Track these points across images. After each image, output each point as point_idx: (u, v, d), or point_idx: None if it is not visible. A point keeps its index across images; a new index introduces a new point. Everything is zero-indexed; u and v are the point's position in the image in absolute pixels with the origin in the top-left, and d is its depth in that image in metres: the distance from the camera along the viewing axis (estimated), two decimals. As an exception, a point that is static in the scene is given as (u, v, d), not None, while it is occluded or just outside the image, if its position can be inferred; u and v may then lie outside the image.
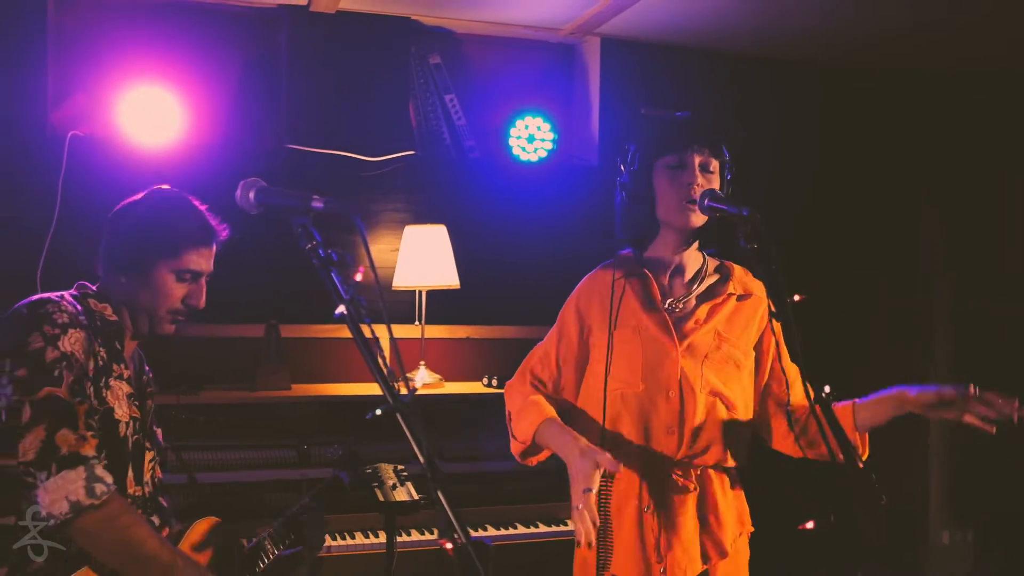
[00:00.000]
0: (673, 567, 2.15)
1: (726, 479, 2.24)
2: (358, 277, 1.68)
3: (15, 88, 3.41)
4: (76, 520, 1.80)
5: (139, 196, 2.14)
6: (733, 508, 2.24)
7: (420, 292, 3.68)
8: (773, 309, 1.78)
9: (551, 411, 2.23)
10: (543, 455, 2.28)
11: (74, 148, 3.41)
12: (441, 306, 3.80)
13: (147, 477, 2.10)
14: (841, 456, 1.60)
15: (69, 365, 1.88)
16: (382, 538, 3.13)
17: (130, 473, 2.02)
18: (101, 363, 1.97)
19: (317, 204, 1.69)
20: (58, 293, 2.00)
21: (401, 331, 3.79)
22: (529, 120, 4.08)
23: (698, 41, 4.14)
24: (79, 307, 1.99)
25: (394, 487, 2.99)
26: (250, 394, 3.40)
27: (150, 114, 3.48)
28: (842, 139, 4.45)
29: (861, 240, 4.48)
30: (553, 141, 4.09)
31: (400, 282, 3.66)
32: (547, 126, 4.09)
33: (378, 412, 1.55)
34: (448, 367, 3.82)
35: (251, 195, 1.74)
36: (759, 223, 1.81)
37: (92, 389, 1.92)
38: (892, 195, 4.55)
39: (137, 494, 2.05)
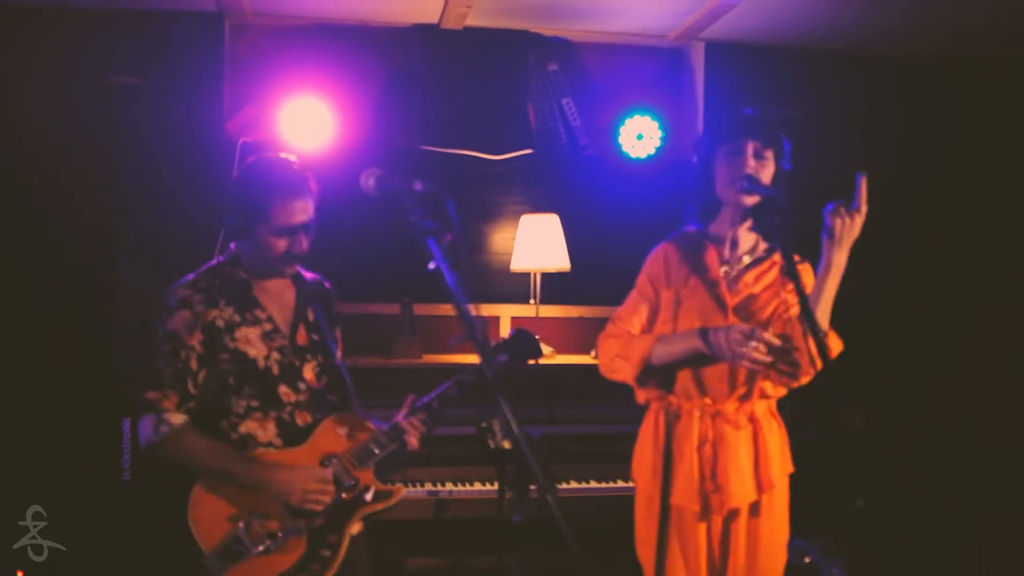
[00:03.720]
0: (730, 495, 2.53)
1: (772, 420, 2.61)
2: (447, 239, 2.14)
3: (198, 103, 4.05)
4: (149, 450, 2.50)
5: (236, 172, 2.64)
6: (778, 446, 2.61)
7: (535, 275, 4.15)
8: (785, 267, 2.15)
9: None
10: (657, 378, 2.63)
11: (244, 153, 4.00)
12: (554, 288, 4.25)
13: (307, 383, 2.63)
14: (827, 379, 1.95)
15: (168, 339, 2.49)
16: (496, 486, 3.58)
17: (282, 388, 2.59)
18: (223, 323, 2.54)
19: (418, 186, 2.20)
20: (199, 270, 2.60)
21: (518, 310, 4.29)
22: (638, 119, 4.46)
23: (797, 41, 4.42)
24: (206, 281, 2.56)
25: (504, 438, 3.47)
26: (386, 361, 3.94)
27: (306, 122, 4.03)
28: (957, 133, 4.61)
29: (985, 233, 4.61)
30: (660, 139, 4.46)
31: (517, 265, 4.14)
32: (654, 125, 4.46)
33: (457, 341, 2.00)
34: (560, 342, 4.26)
35: (371, 181, 2.26)
36: (782, 200, 2.19)
37: (204, 351, 2.51)
38: (1015, 189, 4.65)
39: (301, 400, 2.61)
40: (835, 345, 2.50)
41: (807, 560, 1.85)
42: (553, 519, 1.87)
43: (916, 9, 3.97)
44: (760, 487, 2.55)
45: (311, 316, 2.71)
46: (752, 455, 2.56)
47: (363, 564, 2.67)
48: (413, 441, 2.66)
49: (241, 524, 2.43)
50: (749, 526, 2.56)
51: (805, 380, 2.51)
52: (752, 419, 2.58)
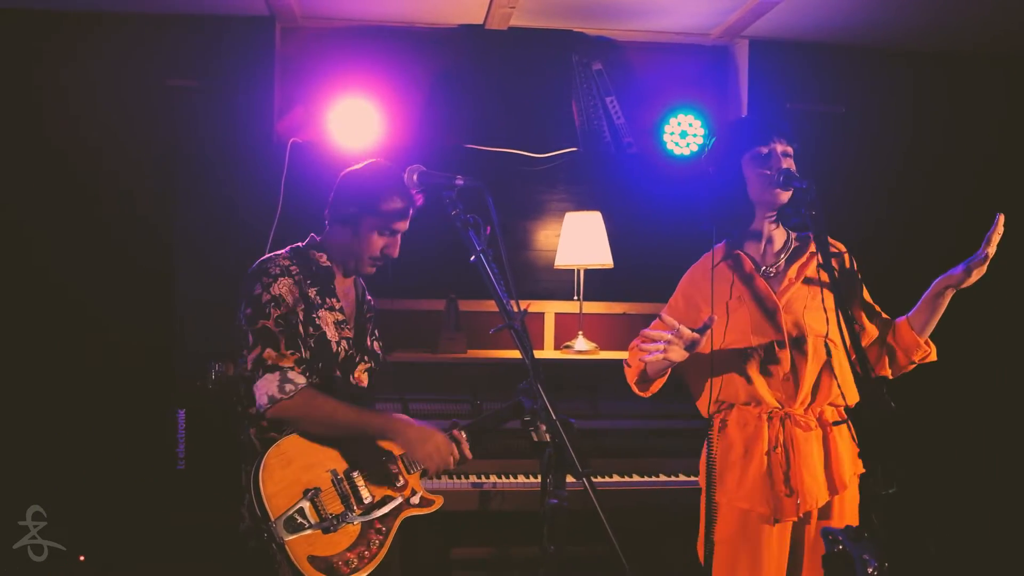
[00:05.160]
0: (806, 497, 2.53)
1: (839, 419, 2.61)
2: (487, 232, 2.21)
3: (249, 105, 4.17)
4: (271, 408, 2.51)
5: (360, 165, 2.76)
6: (848, 448, 2.59)
7: (578, 271, 4.20)
8: (821, 261, 2.18)
9: None
10: (655, 387, 2.72)
11: (294, 153, 4.12)
12: (598, 285, 4.30)
13: (361, 384, 2.76)
14: (860, 369, 1.98)
15: (276, 304, 2.56)
16: (539, 479, 3.64)
17: (339, 378, 2.69)
18: (309, 302, 2.64)
19: (459, 181, 2.27)
20: (283, 249, 2.73)
21: (562, 306, 4.35)
22: (682, 117, 4.49)
23: (841, 38, 4.41)
24: (296, 259, 2.66)
25: (547, 431, 3.52)
26: (432, 356, 4.01)
27: (355, 122, 4.14)
28: (1004, 129, 4.56)
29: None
30: (704, 136, 4.48)
31: (561, 262, 4.19)
32: (698, 122, 4.49)
33: (496, 329, 2.06)
34: (603, 338, 4.30)
35: (414, 177, 2.34)
36: (814, 194, 2.22)
37: (303, 318, 2.60)
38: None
39: (352, 394, 2.70)
40: (932, 352, 2.64)
41: (839, 548, 1.88)
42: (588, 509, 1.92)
43: (959, 5, 3.94)
44: (833, 488, 2.55)
45: (370, 326, 2.86)
46: (823, 457, 2.56)
47: (395, 555, 2.74)
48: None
49: (307, 499, 2.52)
50: (819, 528, 2.52)
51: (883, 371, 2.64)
52: (821, 422, 2.59)
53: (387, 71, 4.35)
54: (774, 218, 2.63)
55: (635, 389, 2.78)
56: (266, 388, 2.51)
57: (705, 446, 2.68)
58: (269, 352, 2.52)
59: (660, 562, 3.02)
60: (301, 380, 2.54)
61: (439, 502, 2.77)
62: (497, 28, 4.29)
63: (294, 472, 2.54)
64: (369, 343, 2.83)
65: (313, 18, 4.32)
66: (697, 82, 4.65)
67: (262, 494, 2.48)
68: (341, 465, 2.62)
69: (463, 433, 2.74)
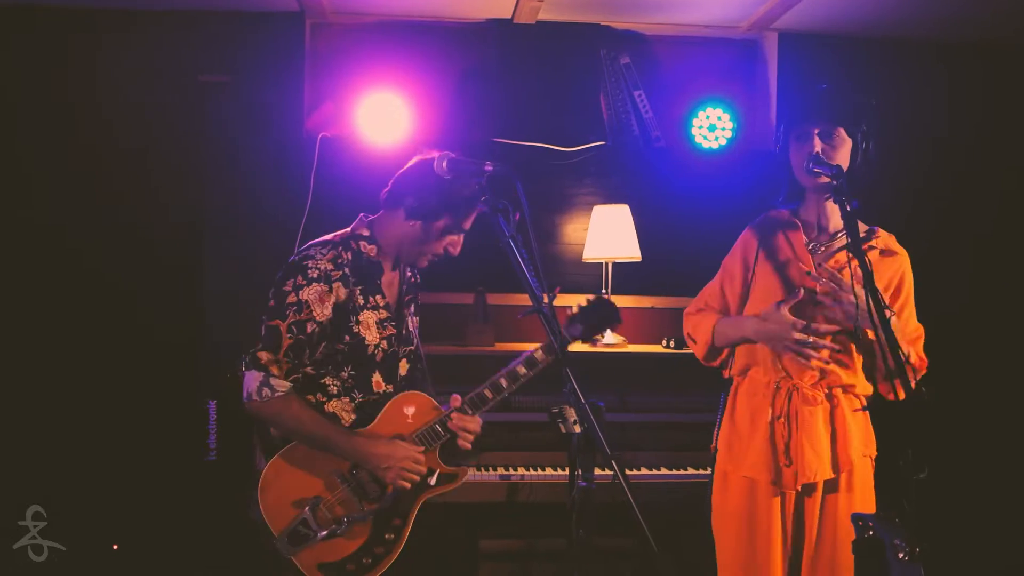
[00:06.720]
0: (804, 469, 2.52)
1: (854, 401, 2.59)
2: (516, 217, 2.21)
3: (279, 101, 4.21)
4: (247, 405, 2.50)
5: (435, 156, 2.48)
6: (859, 428, 2.58)
7: (606, 264, 4.19)
8: (849, 243, 2.17)
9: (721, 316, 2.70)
10: (725, 353, 2.72)
11: (323, 147, 4.15)
12: (626, 278, 4.29)
13: (402, 374, 2.72)
14: (892, 363, 1.96)
15: (299, 309, 2.49)
16: (567, 472, 3.64)
17: (376, 376, 2.64)
18: (352, 305, 2.56)
19: (489, 167, 2.28)
20: (331, 239, 2.61)
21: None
22: (710, 111, 4.47)
23: (871, 30, 4.39)
24: (343, 254, 2.57)
25: (575, 423, 3.52)
26: (460, 348, 4.02)
27: (383, 117, 4.15)
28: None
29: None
30: (733, 130, 4.45)
31: (589, 255, 4.19)
32: (727, 116, 4.46)
33: (525, 314, 2.06)
34: (632, 331, 4.29)
35: (444, 164, 2.35)
36: (843, 179, 2.21)
37: (332, 331, 2.53)
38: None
39: (389, 391, 2.67)
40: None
41: (870, 533, 1.87)
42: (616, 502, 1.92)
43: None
44: (837, 465, 2.54)
45: (412, 308, 2.80)
46: (830, 432, 2.55)
47: (421, 542, 2.67)
48: (463, 443, 2.68)
49: (307, 509, 2.48)
50: (825, 503, 2.55)
51: (883, 388, 2.57)
52: (830, 396, 2.57)
53: (416, 66, 4.36)
54: (825, 201, 2.58)
55: (704, 362, 2.77)
56: (248, 384, 2.49)
57: (730, 415, 2.70)
58: (263, 353, 2.49)
59: (688, 553, 3.01)
60: (282, 387, 2.50)
61: (463, 475, 2.66)
62: (525, 22, 4.30)
63: (295, 483, 2.51)
64: (410, 327, 2.75)
65: (342, 13, 4.34)
66: (726, 75, 4.63)
67: (263, 514, 2.46)
68: (345, 463, 2.55)
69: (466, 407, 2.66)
